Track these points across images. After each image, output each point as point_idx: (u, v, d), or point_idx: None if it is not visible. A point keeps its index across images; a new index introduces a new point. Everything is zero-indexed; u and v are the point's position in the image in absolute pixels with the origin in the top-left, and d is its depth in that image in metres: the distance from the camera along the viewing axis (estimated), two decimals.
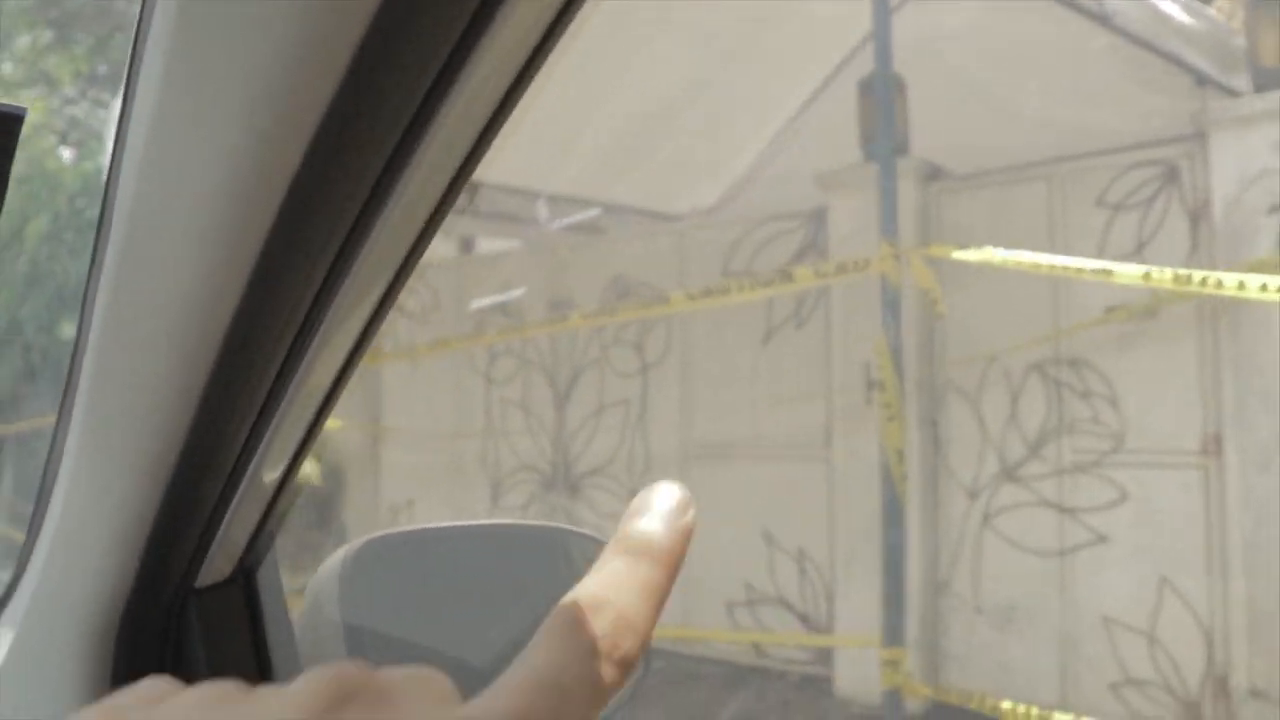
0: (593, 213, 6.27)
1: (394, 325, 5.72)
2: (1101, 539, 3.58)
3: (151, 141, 0.42)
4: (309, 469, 5.78)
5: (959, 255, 3.29)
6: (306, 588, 0.73)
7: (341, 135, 0.39)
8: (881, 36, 3.62)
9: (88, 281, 0.52)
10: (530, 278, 5.21)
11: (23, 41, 7.38)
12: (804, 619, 4.26)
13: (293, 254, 0.44)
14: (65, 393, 0.60)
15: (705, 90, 5.51)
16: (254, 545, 0.67)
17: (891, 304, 3.50)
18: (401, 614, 0.78)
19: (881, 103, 3.58)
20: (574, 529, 0.97)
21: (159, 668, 0.65)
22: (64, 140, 7.57)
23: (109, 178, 0.47)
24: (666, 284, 4.68)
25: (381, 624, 0.74)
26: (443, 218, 0.46)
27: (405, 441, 5.72)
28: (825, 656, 4.19)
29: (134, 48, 0.41)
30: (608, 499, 4.81)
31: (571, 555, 0.96)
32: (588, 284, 4.95)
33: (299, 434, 0.58)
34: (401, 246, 0.47)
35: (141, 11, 0.40)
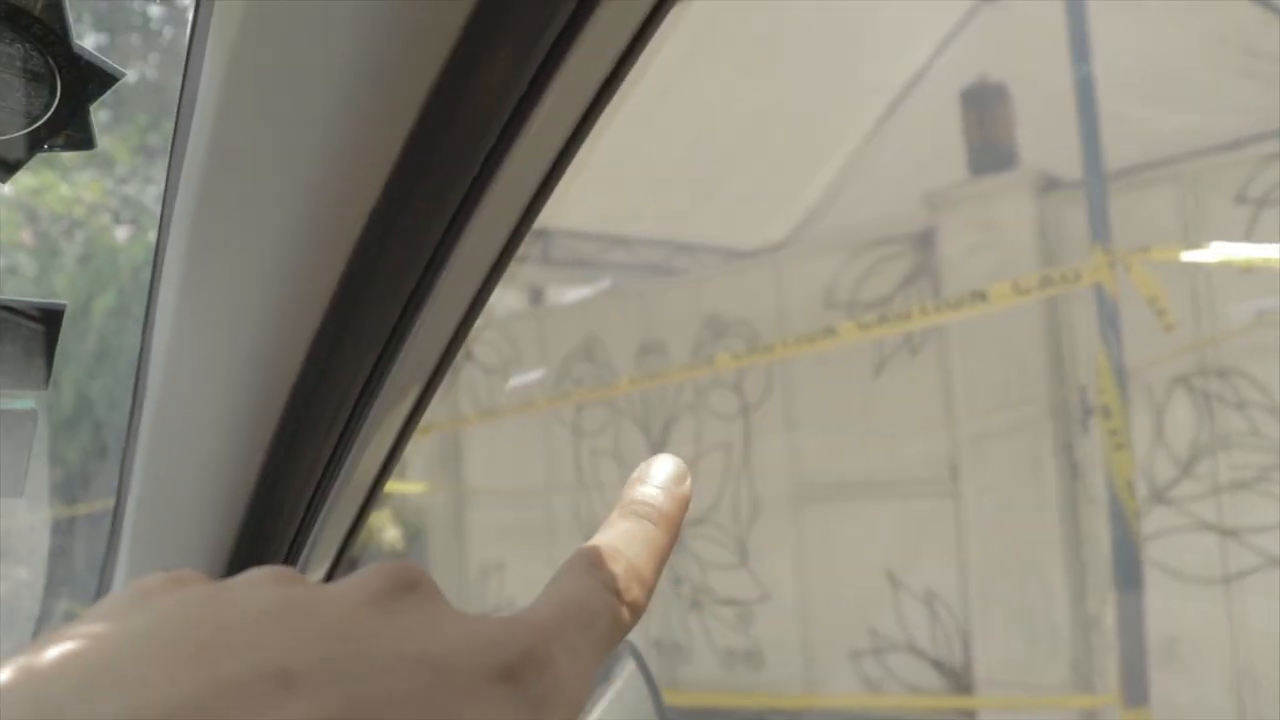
0: (665, 254, 6.14)
1: (472, 381, 5.56)
2: (1273, 561, 3.30)
3: (199, 218, 0.42)
4: (392, 534, 5.60)
5: (1187, 257, 3.06)
6: None
7: (401, 202, 0.39)
8: (1078, 34, 3.37)
9: (140, 353, 0.52)
10: (615, 323, 5.03)
11: None
12: (937, 665, 3.98)
13: (347, 331, 0.44)
14: (121, 477, 0.59)
15: (768, 122, 5.38)
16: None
17: (1110, 317, 3.21)
18: None
19: (1084, 104, 3.29)
20: None
21: None
22: (118, 219, 7.56)
23: (158, 247, 0.47)
24: (763, 320, 4.48)
25: None
26: (499, 277, 0.46)
27: (491, 501, 5.52)
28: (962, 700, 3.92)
29: (177, 123, 0.41)
30: (713, 550, 4.57)
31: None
32: (679, 326, 4.76)
33: (357, 503, 0.57)
34: (461, 305, 0.46)
35: (183, 88, 0.40)
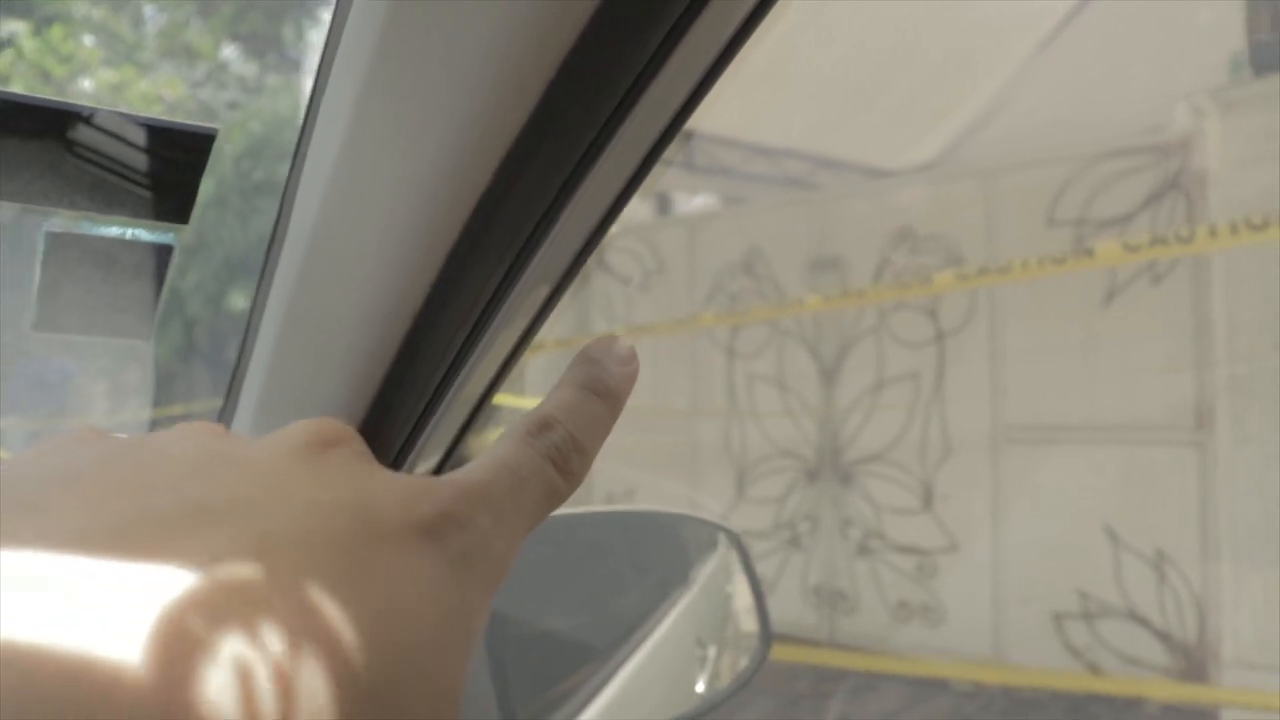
0: (807, 168, 5.69)
1: (607, 293, 5.09)
2: None
3: (347, 140, 0.43)
4: None
5: None
6: None
7: (541, 135, 0.39)
8: None
9: (261, 274, 0.53)
10: (782, 233, 4.51)
11: (160, 20, 7.07)
12: (1164, 638, 3.51)
13: (476, 254, 0.44)
14: (233, 381, 0.61)
15: (925, 34, 4.89)
16: None
17: None
18: (539, 593, 0.85)
19: None
20: (710, 519, 1.11)
21: None
22: (200, 116, 7.12)
23: (292, 170, 0.48)
24: (967, 237, 3.96)
25: (521, 603, 0.81)
26: (616, 216, 0.47)
27: (623, 421, 5.06)
28: (1198, 681, 3.45)
29: (327, 47, 0.42)
30: (890, 490, 4.10)
31: (704, 544, 1.06)
32: (860, 239, 4.24)
33: (458, 425, 0.59)
34: (575, 245, 0.48)
35: (336, 12, 0.41)
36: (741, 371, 4.57)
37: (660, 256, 4.91)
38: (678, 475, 4.75)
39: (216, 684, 0.17)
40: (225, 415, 0.63)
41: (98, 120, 0.41)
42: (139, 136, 0.42)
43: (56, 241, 0.46)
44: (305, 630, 0.19)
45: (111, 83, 6.51)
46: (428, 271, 0.44)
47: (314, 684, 0.18)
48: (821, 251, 4.34)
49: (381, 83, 0.39)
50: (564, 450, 0.28)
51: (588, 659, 0.94)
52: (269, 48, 7.72)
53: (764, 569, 4.43)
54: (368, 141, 0.42)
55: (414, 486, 0.23)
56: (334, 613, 0.19)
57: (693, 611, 1.06)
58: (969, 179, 4.03)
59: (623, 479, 4.99)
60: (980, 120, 5.34)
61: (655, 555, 1.05)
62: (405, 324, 0.47)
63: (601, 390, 0.30)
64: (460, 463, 0.63)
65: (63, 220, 0.45)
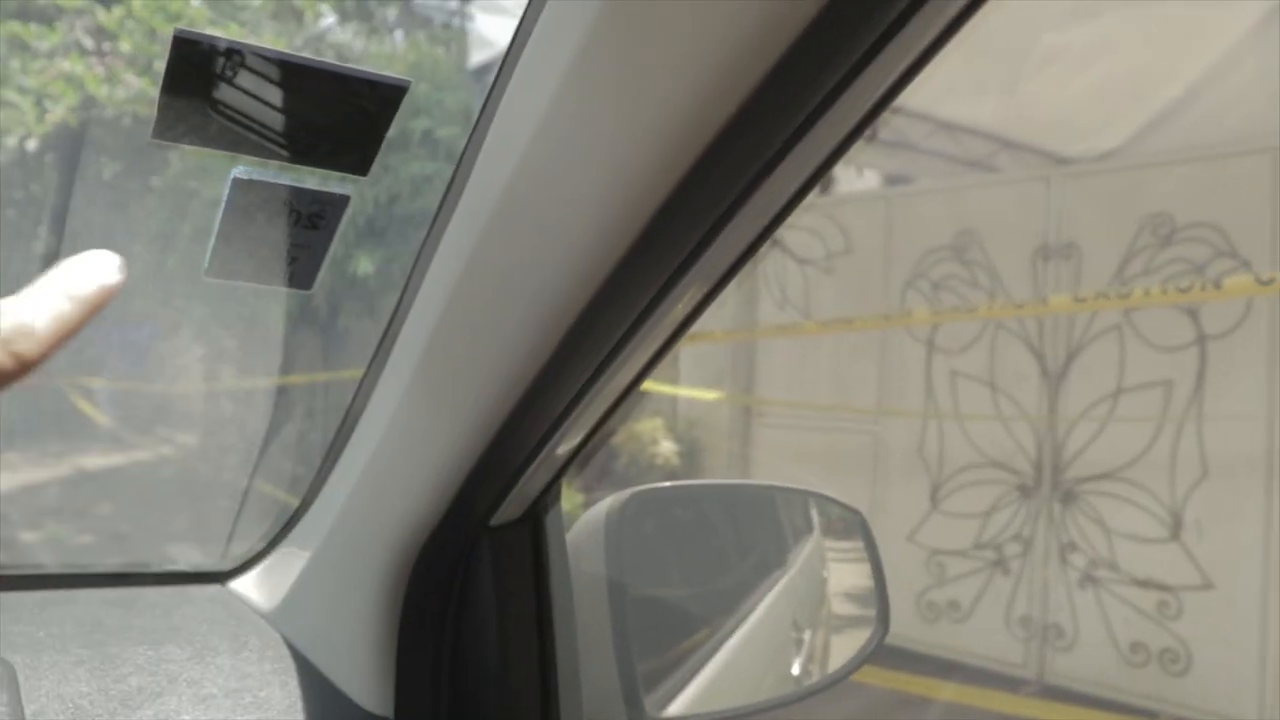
0: (989, 149, 5.15)
1: (781, 275, 4.57)
2: None
3: (541, 126, 0.43)
4: (665, 448, 4.69)
5: None
6: (573, 531, 0.76)
7: (727, 148, 0.39)
8: None
9: (430, 229, 0.55)
10: (1001, 214, 3.96)
11: None
12: None
13: (651, 253, 0.45)
14: (382, 342, 0.62)
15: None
16: (547, 491, 0.69)
17: None
18: (657, 562, 0.85)
19: None
20: (835, 498, 1.02)
21: (449, 597, 0.69)
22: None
23: (468, 148, 0.50)
24: (1236, 226, 3.39)
25: (638, 571, 0.79)
26: (778, 225, 0.47)
27: (791, 418, 4.55)
28: None
29: (519, 28, 0.43)
30: (1126, 513, 3.54)
31: (830, 520, 1.06)
32: (1100, 223, 3.69)
33: (608, 404, 0.61)
34: (744, 242, 0.49)
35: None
36: (943, 367, 4.03)
37: (849, 236, 4.39)
38: (853, 478, 4.23)
39: None
40: (366, 382, 0.64)
41: (295, 67, 0.41)
42: (334, 86, 0.41)
43: (242, 187, 0.45)
44: None
45: None
46: (603, 266, 0.46)
47: None
48: (1052, 237, 3.79)
49: (586, 66, 0.39)
50: (11, 334, 0.29)
51: (703, 626, 0.93)
52: (378, 9, 7.38)
53: (961, 592, 3.90)
54: (563, 126, 0.42)
55: None
56: None
57: (793, 591, 1.04)
58: (1248, 156, 3.46)
59: (792, 481, 4.48)
60: (1178, 104, 4.78)
61: (774, 531, 1.05)
62: (573, 315, 0.49)
63: (69, 290, 0.31)
64: (601, 445, 0.68)
65: (249, 167, 0.45)
